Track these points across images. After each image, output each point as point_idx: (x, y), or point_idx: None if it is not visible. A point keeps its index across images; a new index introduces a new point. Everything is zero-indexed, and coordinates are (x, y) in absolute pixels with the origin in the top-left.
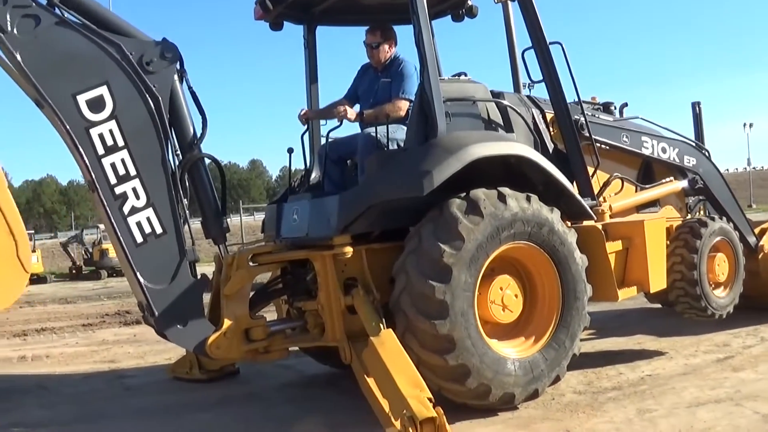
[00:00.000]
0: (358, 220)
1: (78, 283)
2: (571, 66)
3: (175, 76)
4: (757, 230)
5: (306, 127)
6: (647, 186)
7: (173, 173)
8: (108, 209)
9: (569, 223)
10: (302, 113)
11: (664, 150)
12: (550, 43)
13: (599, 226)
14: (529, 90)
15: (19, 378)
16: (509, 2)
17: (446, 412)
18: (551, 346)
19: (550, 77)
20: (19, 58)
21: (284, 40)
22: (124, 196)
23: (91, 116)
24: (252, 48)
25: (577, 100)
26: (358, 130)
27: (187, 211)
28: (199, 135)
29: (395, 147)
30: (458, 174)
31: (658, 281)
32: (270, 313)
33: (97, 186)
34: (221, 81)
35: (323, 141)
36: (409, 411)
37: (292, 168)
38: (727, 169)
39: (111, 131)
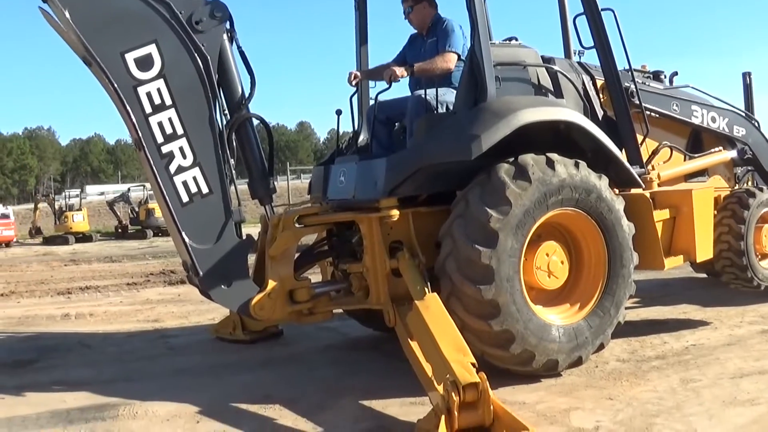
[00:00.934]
0: (405, 183)
1: (123, 242)
2: (623, 33)
3: (225, 36)
4: None
5: (355, 89)
6: (696, 155)
7: (220, 133)
8: (154, 168)
9: (617, 191)
10: (352, 75)
11: (713, 119)
12: (602, 10)
13: (647, 194)
14: (580, 57)
15: (63, 336)
16: None
17: (489, 378)
18: (596, 314)
19: (602, 44)
20: (67, 15)
21: (333, 2)
22: (170, 155)
23: (139, 74)
24: (303, 9)
25: (627, 67)
26: (408, 94)
27: (233, 172)
28: (247, 95)
29: (444, 110)
30: (507, 139)
31: (704, 251)
32: (315, 275)
33: (144, 145)
34: (271, 42)
35: (372, 103)
36: (452, 375)
37: (340, 130)
38: None
39: (159, 90)
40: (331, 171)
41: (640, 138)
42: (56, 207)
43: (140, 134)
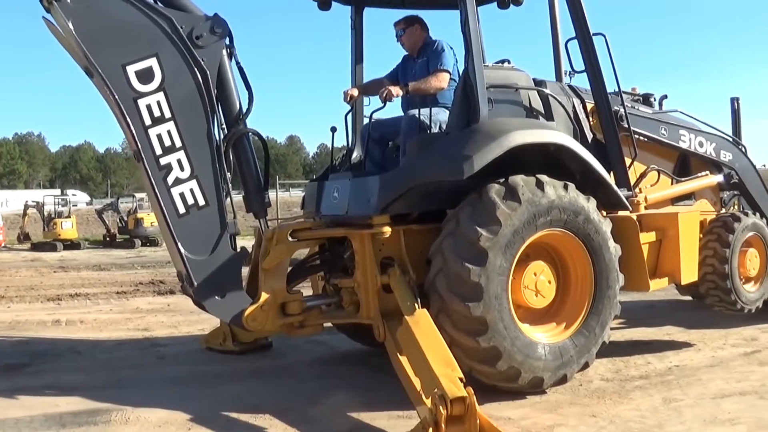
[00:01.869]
0: (397, 200)
1: (111, 251)
2: (613, 57)
3: (224, 52)
4: None
5: (350, 107)
6: (683, 179)
7: (218, 147)
8: (152, 179)
9: (605, 213)
10: (348, 95)
11: (701, 144)
12: (594, 35)
13: (634, 216)
14: (570, 78)
15: (54, 341)
16: None
17: (476, 393)
18: (582, 333)
19: (592, 68)
20: (71, 26)
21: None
22: (168, 167)
23: (140, 87)
24: (295, 25)
25: (617, 91)
26: (401, 113)
27: (229, 185)
28: (245, 110)
29: (437, 129)
30: (498, 159)
31: (689, 273)
32: (306, 289)
33: (143, 156)
34: (262, 55)
35: (366, 121)
36: (440, 389)
37: (334, 147)
38: (764, 165)
39: (159, 103)
40: (324, 187)
41: (628, 161)
42: (45, 213)
43: (139, 146)
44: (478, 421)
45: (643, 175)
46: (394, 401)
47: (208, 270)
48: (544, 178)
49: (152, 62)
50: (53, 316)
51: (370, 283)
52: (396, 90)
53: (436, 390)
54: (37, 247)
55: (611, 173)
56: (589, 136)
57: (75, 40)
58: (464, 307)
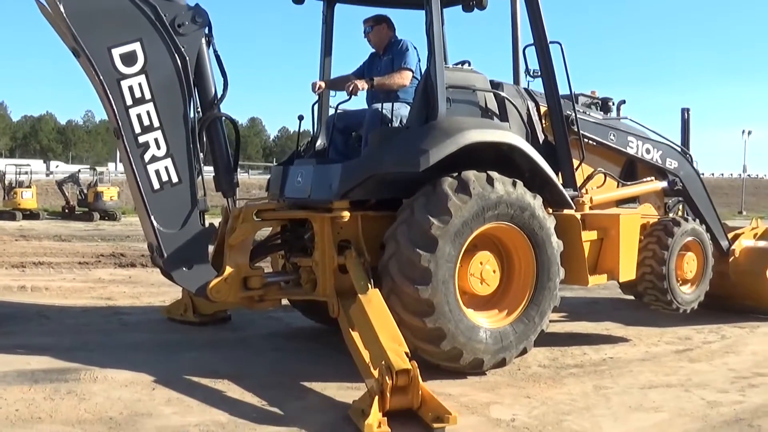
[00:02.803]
0: (357, 187)
1: (70, 223)
2: (568, 65)
3: (203, 40)
4: (730, 235)
5: (318, 97)
6: (629, 183)
7: (193, 129)
8: (131, 156)
9: (551, 210)
10: (316, 85)
11: (648, 151)
12: (550, 42)
13: (578, 215)
14: (527, 81)
15: (21, 306)
16: None
17: (421, 371)
18: (522, 321)
19: (547, 74)
20: (62, 8)
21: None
22: (146, 145)
23: (124, 69)
24: (266, 15)
25: (569, 96)
26: (366, 106)
27: (201, 164)
28: (219, 96)
29: (398, 123)
30: (453, 155)
31: (627, 271)
32: (267, 267)
33: (123, 134)
34: (228, 37)
35: (332, 111)
36: (387, 361)
37: (300, 133)
38: (722, 174)
39: (140, 84)
40: (289, 171)
41: (576, 163)
42: (6, 183)
43: (120, 124)
44: (420, 393)
45: (589, 177)
46: (344, 374)
47: (177, 243)
48: (494, 174)
49: (136, 46)
50: (18, 282)
51: (328, 263)
52: (361, 84)
53: (383, 362)
54: None
55: (559, 174)
56: (541, 137)
57: (64, 22)
58: (413, 289)
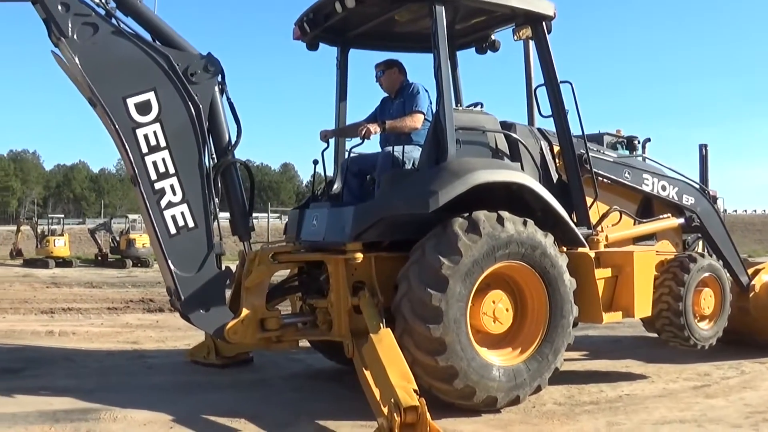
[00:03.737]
0: (369, 229)
1: (103, 270)
2: (579, 104)
3: (216, 88)
4: (750, 271)
5: (326, 144)
6: (645, 220)
7: (208, 174)
8: (147, 202)
9: (564, 248)
10: (322, 134)
11: (663, 188)
12: (561, 82)
13: (591, 253)
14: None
15: (47, 350)
16: (530, 41)
17: (434, 411)
18: (535, 358)
19: (558, 113)
20: (77, 60)
21: (321, 57)
22: (162, 192)
23: (138, 118)
24: (292, 62)
25: (581, 135)
26: (379, 149)
27: (217, 209)
28: (233, 142)
29: (411, 165)
30: (464, 195)
31: (643, 308)
32: (285, 308)
33: (139, 181)
34: (261, 85)
35: (347, 155)
36: (396, 398)
37: (318, 177)
38: (755, 211)
39: (155, 132)
40: (305, 214)
41: (589, 201)
42: (38, 231)
43: (136, 171)
44: (429, 429)
45: (605, 215)
46: (359, 412)
47: (194, 286)
48: (505, 214)
49: (150, 96)
50: (47, 327)
51: (342, 304)
52: (374, 127)
53: (392, 399)
54: (29, 263)
55: (573, 212)
56: (555, 176)
57: (80, 74)
58: (425, 328)
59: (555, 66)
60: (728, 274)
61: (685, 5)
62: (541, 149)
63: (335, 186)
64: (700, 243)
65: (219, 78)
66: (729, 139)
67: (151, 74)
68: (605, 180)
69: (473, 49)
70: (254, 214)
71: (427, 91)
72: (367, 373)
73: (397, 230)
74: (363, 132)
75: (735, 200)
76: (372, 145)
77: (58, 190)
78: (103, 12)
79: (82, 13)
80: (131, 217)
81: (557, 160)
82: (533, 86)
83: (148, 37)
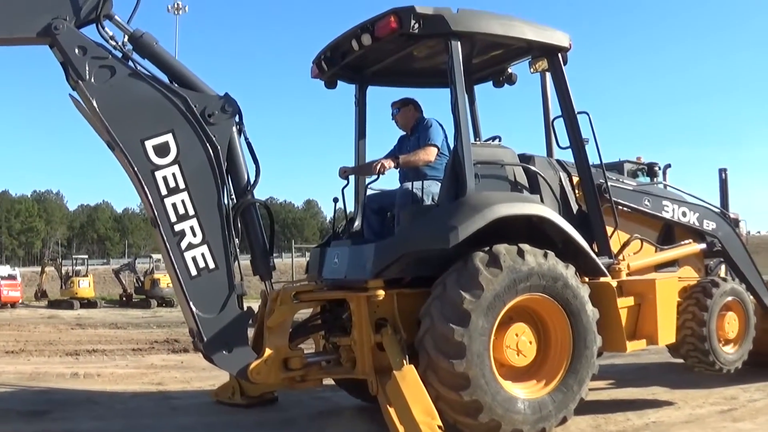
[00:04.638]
0: (391, 266)
1: (128, 310)
2: (596, 134)
3: (234, 128)
4: None
5: (346, 182)
6: (666, 247)
7: (227, 215)
8: (167, 244)
9: (587, 279)
10: (341, 170)
11: (684, 214)
12: (578, 113)
13: (613, 282)
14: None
15: (72, 392)
16: (546, 72)
17: None
18: (560, 390)
19: (576, 144)
20: (95, 104)
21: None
22: (182, 233)
23: (157, 160)
24: (318, 96)
25: (599, 164)
26: (398, 185)
27: (237, 250)
28: (252, 182)
29: (430, 201)
30: (485, 229)
31: (666, 336)
32: (308, 347)
33: (159, 223)
34: (285, 123)
35: (365, 192)
36: None
37: (339, 214)
38: None
39: (174, 174)
40: (327, 253)
41: (610, 230)
42: (63, 272)
43: (156, 213)
44: None
45: (626, 244)
46: None
47: (216, 327)
48: (525, 247)
49: (168, 137)
50: (72, 369)
51: (366, 341)
52: (388, 162)
53: None
54: (54, 304)
55: (594, 242)
56: (575, 207)
57: (98, 117)
58: (448, 363)
59: (572, 97)
60: (752, 297)
61: (706, 21)
62: (560, 181)
63: (356, 223)
64: (723, 267)
65: (237, 118)
66: (752, 159)
67: (168, 116)
68: (625, 209)
69: (491, 82)
70: (278, 253)
71: (441, 125)
72: (392, 410)
73: (418, 266)
74: (378, 168)
75: (758, 221)
76: (391, 182)
77: (82, 230)
78: (120, 54)
79: (100, 56)
80: (155, 256)
81: (576, 191)
82: (551, 118)
83: (165, 78)
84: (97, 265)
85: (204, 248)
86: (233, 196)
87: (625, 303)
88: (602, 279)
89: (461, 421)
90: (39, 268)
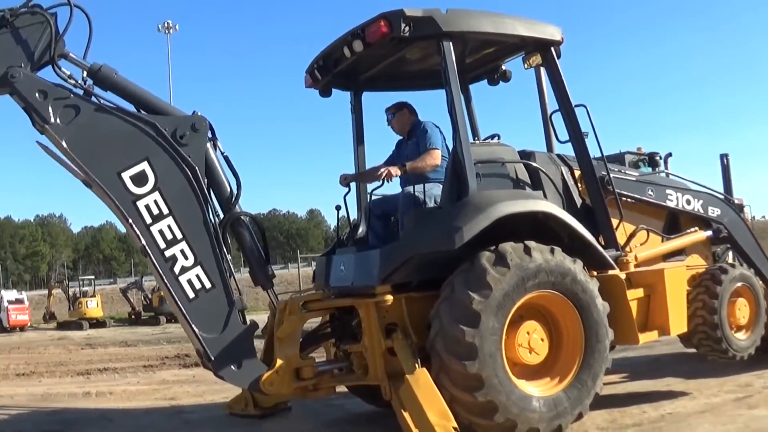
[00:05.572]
0: (397, 271)
1: (137, 328)
2: (595, 126)
3: (209, 145)
4: None
5: (347, 188)
6: (672, 236)
7: (215, 232)
8: (161, 271)
9: (595, 273)
10: (342, 178)
11: (688, 202)
12: (576, 106)
13: (622, 274)
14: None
15: (85, 411)
16: (540, 67)
17: None
18: (574, 386)
19: (576, 137)
20: (65, 144)
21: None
22: (173, 258)
23: (136, 190)
24: (313, 108)
25: (600, 156)
26: (400, 190)
27: (231, 265)
28: (235, 195)
29: (432, 203)
30: (490, 228)
31: (678, 325)
32: (320, 356)
33: (149, 251)
34: (283, 132)
35: (369, 198)
36: None
37: (341, 222)
38: None
39: (156, 201)
40: (332, 261)
41: (615, 222)
42: (70, 293)
43: (144, 242)
44: None
45: (632, 235)
46: None
47: (222, 345)
48: (531, 244)
49: (144, 166)
50: (83, 389)
51: (376, 347)
52: (394, 170)
53: None
54: (63, 326)
55: (600, 235)
56: (578, 201)
57: (71, 157)
58: (461, 365)
59: (568, 90)
60: (761, 282)
61: (704, 11)
62: (563, 175)
63: (360, 230)
64: (730, 253)
65: (209, 134)
66: (756, 143)
67: (140, 144)
68: (629, 200)
69: (485, 81)
70: (284, 263)
71: (437, 126)
72: (406, 415)
73: (424, 269)
74: (384, 175)
75: (763, 206)
76: (393, 187)
77: (87, 252)
78: (81, 92)
79: (61, 97)
80: None
81: (579, 185)
82: (548, 112)
83: (131, 107)
84: (104, 285)
85: (198, 269)
86: (219, 213)
87: (634, 295)
88: (610, 272)
89: (477, 422)
90: (46, 291)
